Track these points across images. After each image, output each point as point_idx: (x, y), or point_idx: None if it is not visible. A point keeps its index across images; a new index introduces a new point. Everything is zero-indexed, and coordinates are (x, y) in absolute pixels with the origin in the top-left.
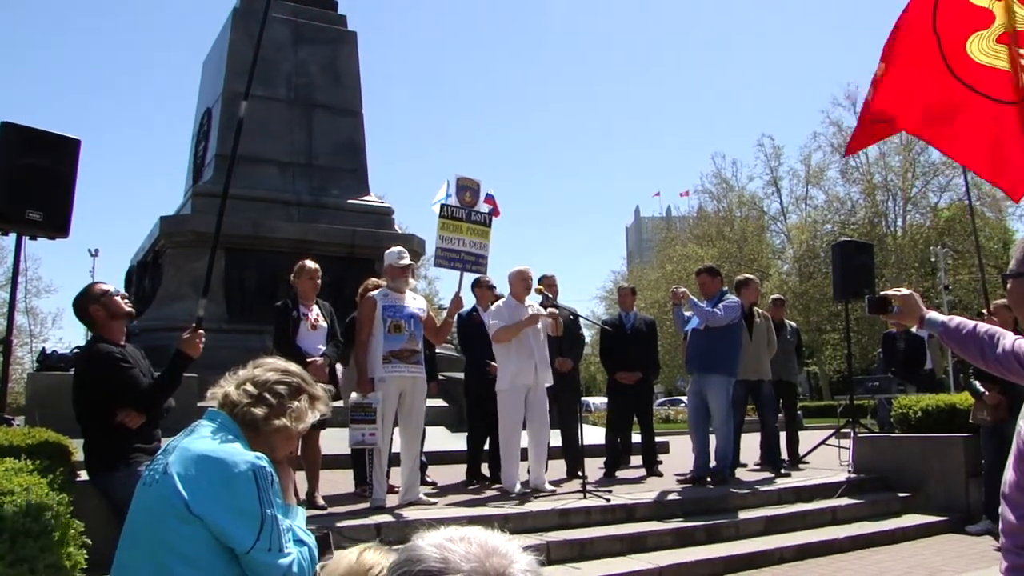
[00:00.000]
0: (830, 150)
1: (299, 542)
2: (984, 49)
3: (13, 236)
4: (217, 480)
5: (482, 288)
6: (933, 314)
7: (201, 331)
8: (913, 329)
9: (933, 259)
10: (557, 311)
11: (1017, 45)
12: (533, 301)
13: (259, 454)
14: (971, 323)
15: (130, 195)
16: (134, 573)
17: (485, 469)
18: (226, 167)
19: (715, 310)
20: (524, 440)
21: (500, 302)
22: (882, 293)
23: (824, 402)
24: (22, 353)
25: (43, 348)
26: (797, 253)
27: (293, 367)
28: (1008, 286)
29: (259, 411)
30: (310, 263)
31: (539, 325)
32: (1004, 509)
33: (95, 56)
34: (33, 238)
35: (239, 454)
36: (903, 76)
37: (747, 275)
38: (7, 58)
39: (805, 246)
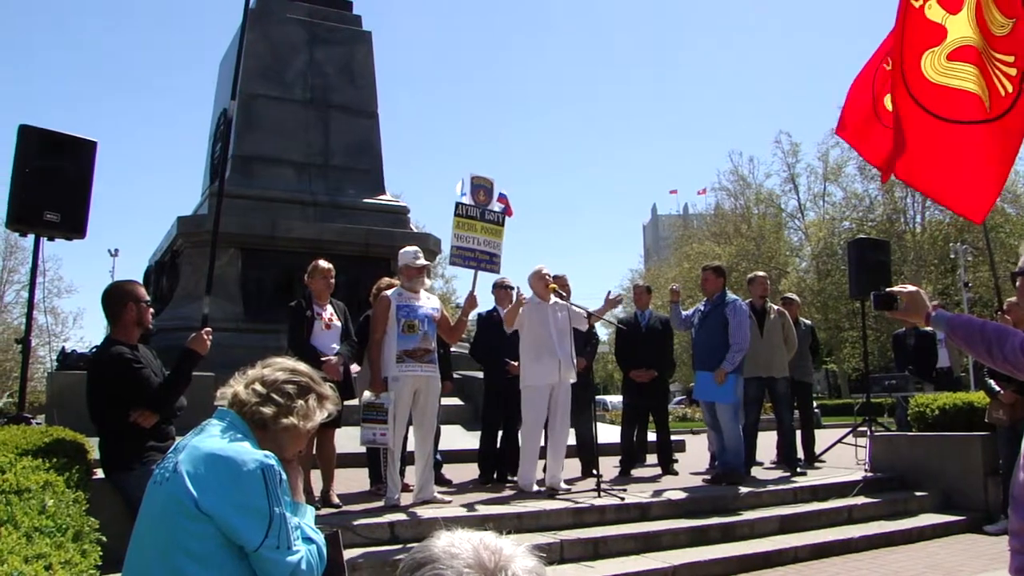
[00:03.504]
0: (848, 146)
1: (308, 540)
2: (937, 68)
3: (32, 237)
4: (226, 478)
5: (500, 289)
6: (940, 311)
7: (209, 328)
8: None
9: (952, 256)
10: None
11: (994, 49)
12: (555, 300)
13: (268, 452)
14: (979, 321)
15: (150, 195)
16: (145, 570)
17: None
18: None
19: (744, 339)
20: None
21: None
22: (887, 290)
23: (843, 400)
24: (43, 353)
25: (63, 347)
26: (815, 250)
27: (301, 366)
28: (1017, 284)
29: (267, 410)
30: (323, 263)
31: (561, 324)
32: (1013, 510)
33: (114, 57)
34: (51, 239)
35: (248, 452)
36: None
37: (755, 272)
38: (25, 60)
39: (823, 243)
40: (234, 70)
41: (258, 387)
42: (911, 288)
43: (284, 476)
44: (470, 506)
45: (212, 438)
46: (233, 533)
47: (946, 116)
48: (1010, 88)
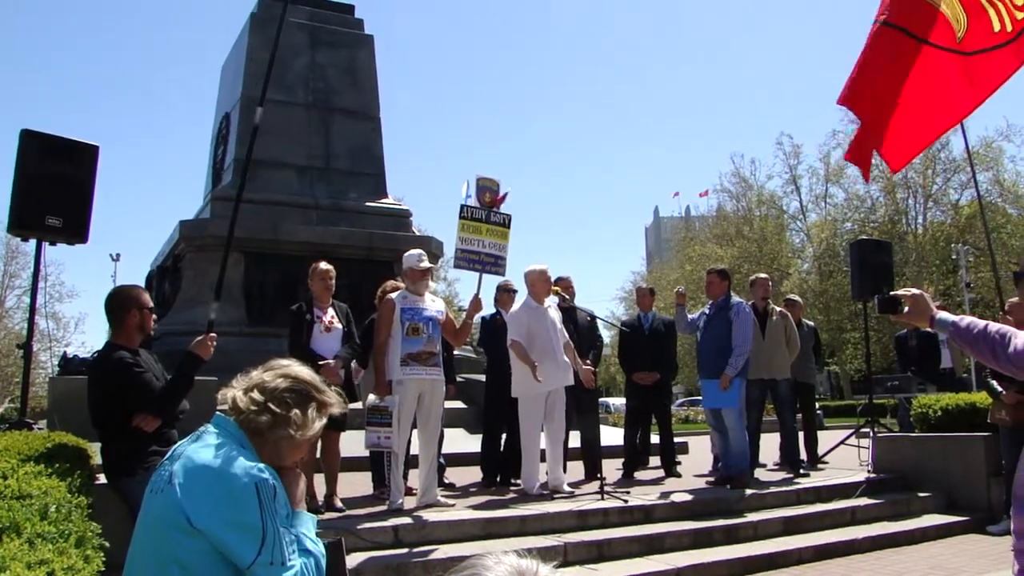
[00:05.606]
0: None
1: (305, 552)
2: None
3: (33, 242)
4: (218, 494)
5: (503, 293)
6: (943, 314)
7: (213, 334)
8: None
9: (954, 256)
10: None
11: None
12: (551, 302)
13: (261, 466)
14: (982, 323)
15: (152, 200)
16: None
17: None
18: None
19: (746, 341)
20: (541, 441)
21: (519, 305)
22: (891, 293)
23: (845, 401)
24: (45, 358)
25: (64, 352)
26: (817, 252)
27: (304, 373)
28: (1020, 285)
29: (264, 419)
30: (323, 264)
31: (559, 325)
32: (1016, 510)
33: (116, 61)
34: (52, 244)
35: (241, 467)
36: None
37: (757, 274)
38: (27, 64)
39: (825, 245)
40: (264, 78)
41: (256, 395)
42: (915, 291)
43: (279, 489)
44: (474, 509)
45: (207, 449)
46: (226, 550)
47: (919, 35)
48: (1009, 27)
